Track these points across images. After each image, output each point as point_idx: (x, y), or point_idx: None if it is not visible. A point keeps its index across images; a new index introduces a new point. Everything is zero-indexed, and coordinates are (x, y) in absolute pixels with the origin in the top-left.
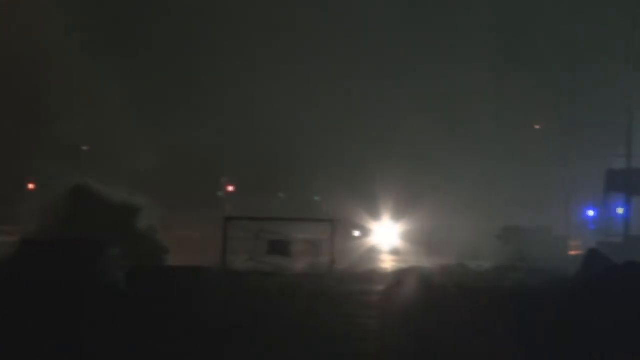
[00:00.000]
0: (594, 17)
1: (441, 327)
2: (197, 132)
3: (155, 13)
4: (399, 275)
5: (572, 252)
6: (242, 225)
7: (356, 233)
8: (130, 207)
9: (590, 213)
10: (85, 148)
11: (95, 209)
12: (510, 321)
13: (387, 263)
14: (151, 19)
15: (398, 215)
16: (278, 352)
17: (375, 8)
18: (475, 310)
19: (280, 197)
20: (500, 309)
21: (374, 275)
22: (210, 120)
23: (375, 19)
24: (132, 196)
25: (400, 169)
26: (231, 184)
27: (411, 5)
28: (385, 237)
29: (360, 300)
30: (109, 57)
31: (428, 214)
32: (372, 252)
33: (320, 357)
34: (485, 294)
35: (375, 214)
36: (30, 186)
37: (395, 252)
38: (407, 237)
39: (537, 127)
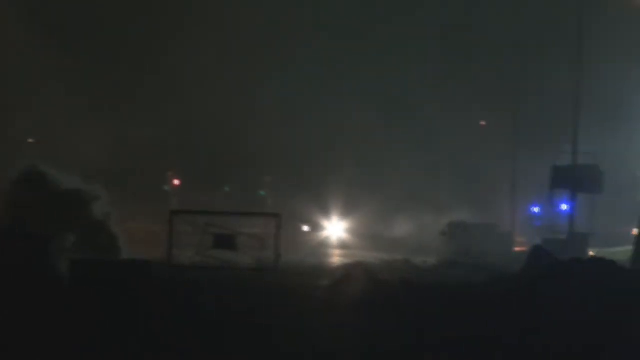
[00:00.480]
0: (541, 15)
1: (378, 323)
2: (144, 126)
3: (105, 7)
4: (344, 270)
5: (517, 249)
6: (189, 219)
7: (305, 228)
8: (85, 195)
9: (536, 210)
10: (31, 140)
11: (48, 195)
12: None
13: (335, 258)
14: (102, 13)
15: (347, 211)
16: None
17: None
18: (415, 306)
19: (226, 191)
20: (437, 306)
21: (320, 269)
22: (157, 114)
23: (323, 16)
24: (87, 184)
25: (349, 166)
26: (177, 178)
27: (365, 6)
28: (334, 232)
29: (304, 294)
30: (55, 50)
31: (375, 209)
32: (321, 246)
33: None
34: (427, 289)
35: (324, 210)
36: None
37: (343, 247)
38: (355, 232)
39: (482, 123)
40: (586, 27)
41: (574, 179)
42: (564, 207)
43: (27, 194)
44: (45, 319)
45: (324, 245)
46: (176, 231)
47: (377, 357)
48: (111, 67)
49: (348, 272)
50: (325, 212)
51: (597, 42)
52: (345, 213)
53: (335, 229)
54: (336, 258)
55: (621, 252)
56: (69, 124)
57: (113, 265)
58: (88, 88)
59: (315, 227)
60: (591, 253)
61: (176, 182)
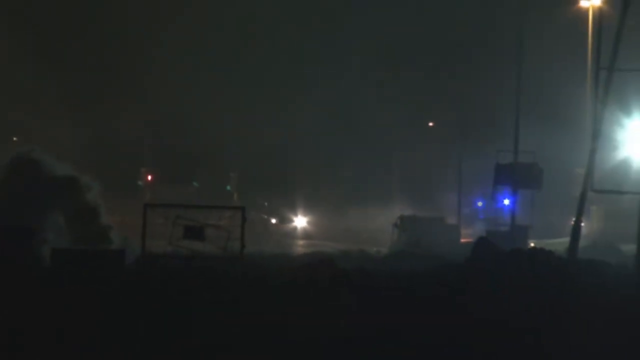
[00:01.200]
0: (484, 17)
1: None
2: (119, 124)
3: (82, 6)
4: (304, 260)
5: (463, 240)
6: (161, 212)
7: (273, 220)
8: (77, 183)
9: (480, 204)
10: (15, 139)
11: (40, 181)
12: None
13: (298, 248)
14: (81, 12)
15: (310, 204)
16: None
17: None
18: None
19: (195, 186)
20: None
21: (282, 258)
22: (131, 112)
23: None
24: (78, 172)
25: (313, 162)
26: (150, 173)
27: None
28: (299, 224)
29: (265, 283)
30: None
31: (334, 203)
32: (286, 237)
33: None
34: (384, 277)
35: (290, 203)
36: None
37: (306, 237)
38: (317, 224)
39: (430, 124)
40: (526, 32)
41: (515, 176)
42: (506, 202)
43: (18, 180)
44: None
45: (289, 236)
46: (149, 223)
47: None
48: (90, 66)
49: (308, 261)
50: (292, 205)
51: (538, 44)
52: (309, 206)
53: (300, 221)
54: (299, 248)
55: (559, 243)
56: (49, 122)
57: (90, 253)
58: (68, 86)
59: (283, 219)
60: (531, 244)
61: (149, 177)
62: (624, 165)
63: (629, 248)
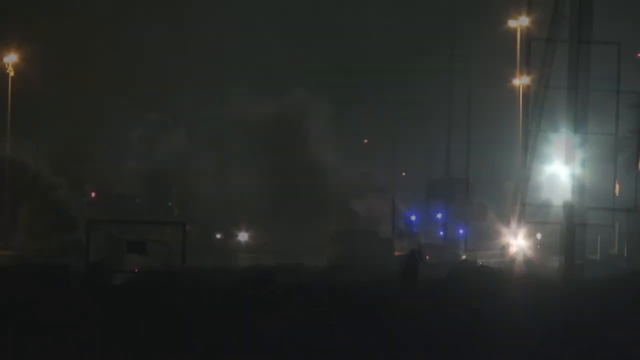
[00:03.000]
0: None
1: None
2: (65, 141)
3: None
4: (244, 272)
5: (397, 253)
6: (105, 228)
7: (218, 235)
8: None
9: (413, 218)
10: None
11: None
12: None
13: (241, 261)
14: None
15: (253, 219)
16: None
17: None
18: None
19: (137, 202)
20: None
21: (223, 271)
22: (77, 128)
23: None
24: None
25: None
26: (93, 191)
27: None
28: (242, 238)
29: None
30: None
31: (278, 218)
32: (229, 251)
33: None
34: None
35: (235, 218)
36: None
37: (248, 251)
38: (259, 238)
39: (365, 141)
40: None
41: (445, 191)
42: (439, 215)
43: None
44: None
45: (232, 249)
46: (93, 239)
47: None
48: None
49: (248, 273)
50: (237, 220)
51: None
52: (252, 221)
53: (243, 235)
54: (242, 261)
55: (489, 255)
56: None
57: (34, 269)
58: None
59: (227, 234)
60: (463, 257)
61: (93, 194)
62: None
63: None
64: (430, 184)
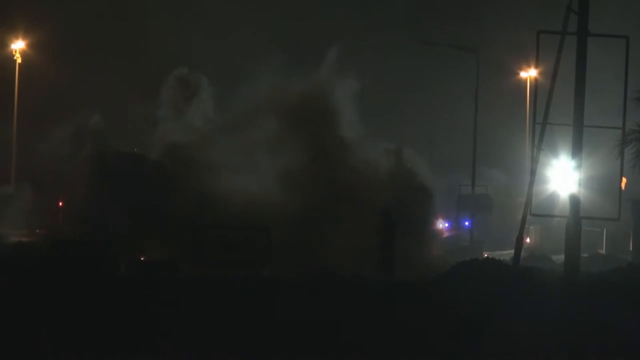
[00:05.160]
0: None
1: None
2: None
3: None
4: None
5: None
6: None
7: None
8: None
9: (446, 225)
10: None
11: None
12: None
13: None
14: None
15: None
16: None
17: None
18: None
19: None
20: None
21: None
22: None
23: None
24: None
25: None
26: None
27: None
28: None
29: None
30: None
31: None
32: None
33: None
34: None
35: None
36: None
37: None
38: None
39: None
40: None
41: (472, 204)
42: (467, 223)
43: None
44: None
45: None
46: None
47: None
48: None
49: None
50: None
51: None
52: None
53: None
54: None
55: (507, 254)
56: None
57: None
58: None
59: None
60: (485, 255)
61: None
62: (554, 196)
63: (559, 257)
64: (460, 199)
